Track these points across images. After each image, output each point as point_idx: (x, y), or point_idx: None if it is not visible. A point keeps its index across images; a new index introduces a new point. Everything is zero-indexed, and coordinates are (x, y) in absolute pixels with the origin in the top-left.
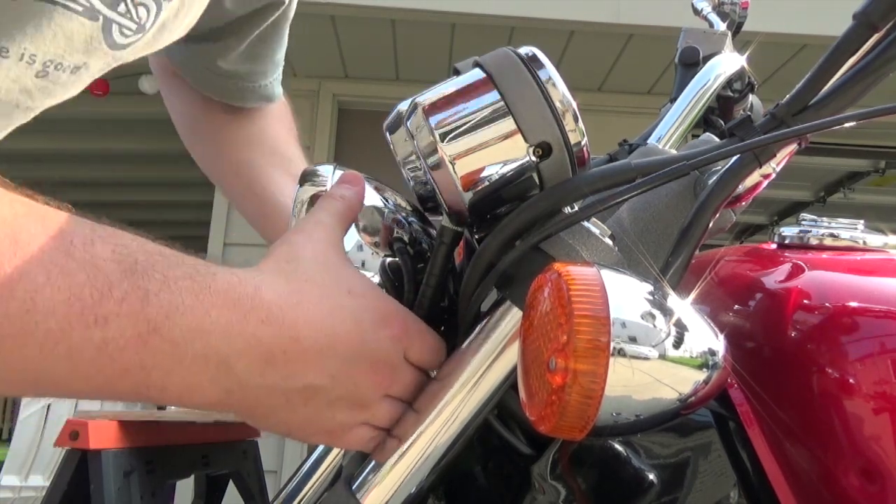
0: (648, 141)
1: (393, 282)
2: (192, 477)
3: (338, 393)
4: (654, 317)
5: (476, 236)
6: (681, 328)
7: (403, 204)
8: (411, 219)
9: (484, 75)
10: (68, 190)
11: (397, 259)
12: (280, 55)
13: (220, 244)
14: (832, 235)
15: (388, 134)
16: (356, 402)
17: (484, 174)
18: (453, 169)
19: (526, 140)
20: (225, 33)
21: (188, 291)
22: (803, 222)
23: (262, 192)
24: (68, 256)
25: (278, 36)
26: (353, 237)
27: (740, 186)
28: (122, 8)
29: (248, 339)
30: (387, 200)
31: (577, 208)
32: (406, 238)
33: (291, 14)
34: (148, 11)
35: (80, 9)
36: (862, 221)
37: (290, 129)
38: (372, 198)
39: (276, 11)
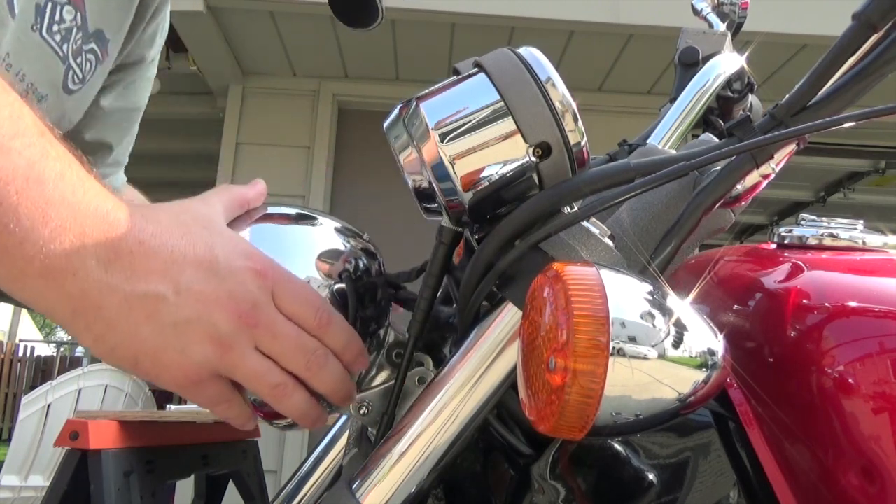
0: (648, 141)
1: (339, 302)
2: (192, 477)
3: (185, 314)
4: (653, 317)
5: (476, 236)
6: (680, 328)
7: (367, 248)
8: (363, 259)
9: (484, 75)
10: None
11: (344, 286)
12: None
13: None
14: (832, 235)
15: (387, 134)
16: (215, 338)
17: (483, 174)
18: (453, 169)
19: (525, 140)
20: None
21: (75, 174)
22: (803, 222)
23: None
24: (6, 93)
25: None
26: (305, 272)
27: (739, 186)
28: (79, 60)
29: (104, 227)
30: (347, 242)
31: (576, 208)
32: (351, 269)
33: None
34: (91, 67)
35: (60, 53)
36: (861, 221)
37: None
38: (334, 241)
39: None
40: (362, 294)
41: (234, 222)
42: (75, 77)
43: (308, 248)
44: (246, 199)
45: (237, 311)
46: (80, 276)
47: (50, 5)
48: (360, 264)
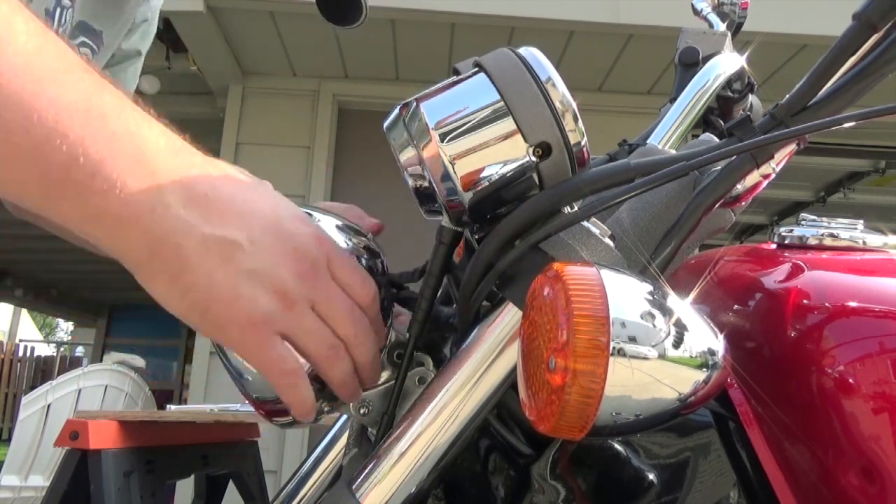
0: (648, 141)
1: None
2: (192, 477)
3: (257, 263)
4: (653, 317)
5: (476, 236)
6: (680, 328)
7: (370, 246)
8: (365, 258)
9: (484, 75)
10: None
11: None
12: None
13: None
14: (832, 235)
15: (387, 134)
16: (281, 291)
17: (483, 174)
18: (453, 169)
19: (526, 140)
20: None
21: (136, 111)
22: (803, 222)
23: None
24: (50, 43)
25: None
26: None
27: (739, 186)
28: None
29: (174, 167)
30: (349, 240)
31: (576, 208)
32: None
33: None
34: (88, 55)
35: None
36: (861, 221)
37: None
38: (336, 239)
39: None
40: None
41: None
42: None
43: None
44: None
45: (300, 269)
46: (157, 214)
47: (59, 10)
48: (363, 263)
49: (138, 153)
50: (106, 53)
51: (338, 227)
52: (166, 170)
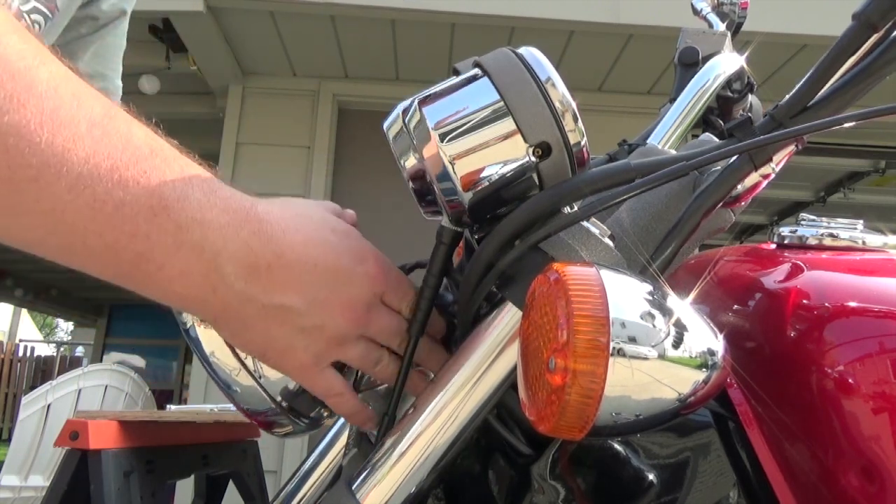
0: (648, 141)
1: None
2: (192, 477)
3: (313, 321)
4: (653, 317)
5: (476, 236)
6: (680, 328)
7: None
8: None
9: (484, 75)
10: None
11: None
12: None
13: None
14: (831, 235)
15: (387, 134)
16: (331, 337)
17: (483, 174)
18: (453, 169)
19: (525, 140)
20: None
21: (198, 187)
22: (803, 222)
23: None
24: (111, 122)
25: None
26: None
27: (739, 186)
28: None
29: (239, 244)
30: None
31: (576, 208)
32: None
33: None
34: (39, 28)
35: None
36: (861, 221)
37: None
38: None
39: (118, 23)
40: None
41: None
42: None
43: None
44: (348, 220)
45: (354, 316)
46: (220, 292)
47: None
48: None
49: (201, 240)
50: (64, 17)
51: None
52: (228, 251)
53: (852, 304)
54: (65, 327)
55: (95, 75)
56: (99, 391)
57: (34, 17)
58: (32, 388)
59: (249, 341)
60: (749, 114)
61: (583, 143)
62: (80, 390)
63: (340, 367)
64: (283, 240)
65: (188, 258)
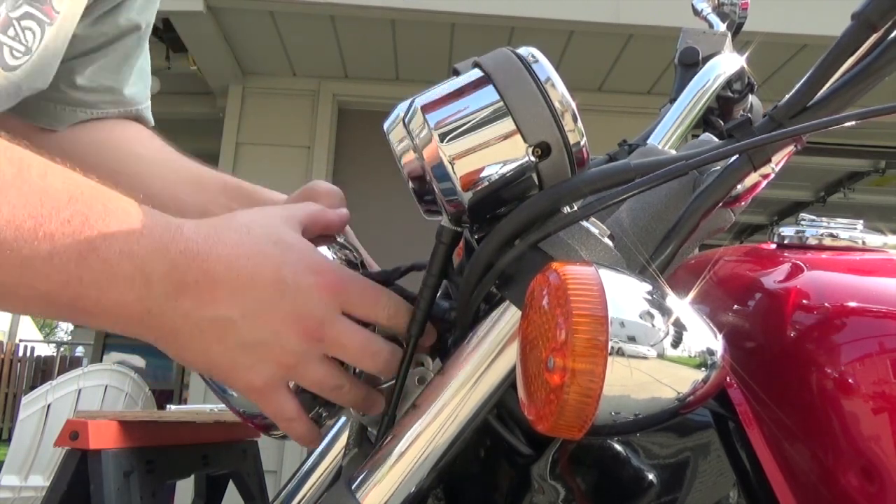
0: (648, 141)
1: None
2: (192, 477)
3: (254, 335)
4: (652, 316)
5: (475, 236)
6: (679, 328)
7: (351, 259)
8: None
9: (483, 76)
10: None
11: None
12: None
13: None
14: (831, 235)
15: (387, 134)
16: (282, 355)
17: (483, 174)
18: (452, 169)
19: (525, 140)
20: (78, 57)
21: (122, 222)
22: (803, 222)
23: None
24: (26, 178)
25: (128, 66)
26: None
27: (739, 186)
28: (11, 32)
29: (167, 264)
30: (335, 255)
31: (576, 208)
32: None
33: (142, 49)
34: (34, 35)
35: None
36: (861, 221)
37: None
38: (323, 253)
39: (129, 39)
40: None
41: None
42: (14, 51)
43: None
44: (328, 225)
45: (305, 330)
46: (154, 313)
47: None
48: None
49: (131, 270)
50: (69, 20)
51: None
52: (157, 273)
53: (852, 304)
54: (65, 327)
55: (100, 89)
56: (99, 391)
57: (26, 23)
58: (32, 388)
59: (193, 360)
60: (749, 114)
61: (582, 143)
62: (80, 390)
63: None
64: (210, 254)
65: (121, 289)
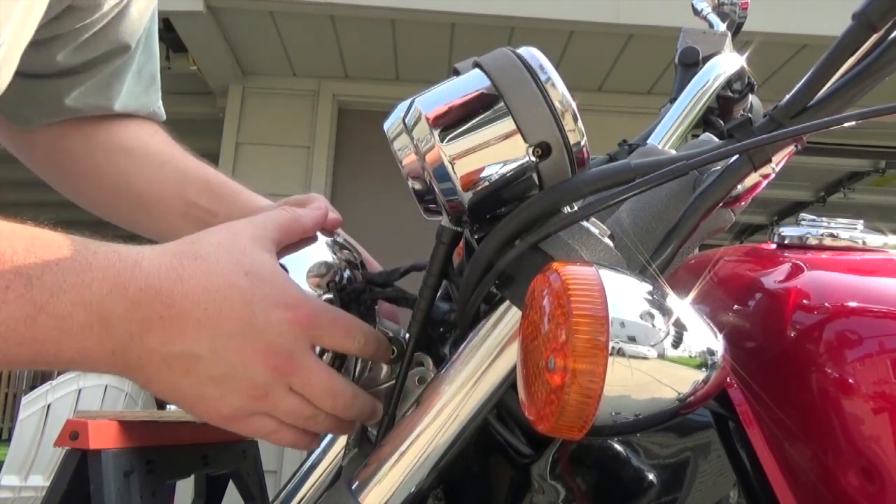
0: (648, 141)
1: None
2: (192, 477)
3: (221, 369)
4: (653, 316)
5: (475, 236)
6: (680, 328)
7: (351, 259)
8: (347, 272)
9: (483, 76)
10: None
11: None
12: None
13: None
14: (832, 235)
15: (387, 134)
16: (250, 388)
17: (483, 174)
18: (452, 169)
19: (525, 140)
20: (64, 77)
21: (70, 270)
22: (803, 222)
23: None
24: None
25: (119, 82)
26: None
27: (739, 186)
28: None
29: (127, 303)
30: (335, 255)
31: (576, 208)
32: (337, 279)
33: (134, 63)
34: None
35: None
36: (861, 221)
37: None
38: (323, 253)
39: (118, 58)
40: (346, 301)
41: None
42: None
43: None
44: (303, 228)
45: (273, 364)
46: (118, 353)
47: None
48: (346, 276)
49: (87, 318)
50: (13, 47)
51: (326, 244)
52: (116, 314)
53: (852, 304)
54: None
55: (87, 108)
56: (99, 391)
57: None
58: (32, 388)
59: (160, 391)
60: (749, 114)
61: (583, 143)
62: (80, 390)
63: (341, 361)
64: (174, 289)
65: (80, 338)
